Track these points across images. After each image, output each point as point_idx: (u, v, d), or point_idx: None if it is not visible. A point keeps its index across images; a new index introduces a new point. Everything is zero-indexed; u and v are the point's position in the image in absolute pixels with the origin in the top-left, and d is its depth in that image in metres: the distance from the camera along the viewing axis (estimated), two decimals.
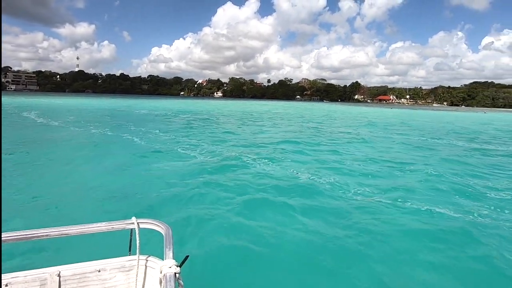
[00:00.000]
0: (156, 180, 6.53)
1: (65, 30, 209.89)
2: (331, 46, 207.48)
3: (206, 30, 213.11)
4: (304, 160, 9.23)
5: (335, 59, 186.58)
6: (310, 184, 6.53)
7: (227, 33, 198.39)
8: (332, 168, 8.21)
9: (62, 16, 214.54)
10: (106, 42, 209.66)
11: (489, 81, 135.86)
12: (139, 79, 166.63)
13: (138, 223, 1.52)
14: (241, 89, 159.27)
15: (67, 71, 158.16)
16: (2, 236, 1.30)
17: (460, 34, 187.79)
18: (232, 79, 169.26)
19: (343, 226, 4.47)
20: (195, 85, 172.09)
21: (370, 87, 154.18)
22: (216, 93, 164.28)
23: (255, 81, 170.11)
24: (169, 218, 4.36)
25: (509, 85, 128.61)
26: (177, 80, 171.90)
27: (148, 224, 1.54)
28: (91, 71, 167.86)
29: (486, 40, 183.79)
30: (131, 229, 1.55)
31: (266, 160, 8.76)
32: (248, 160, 8.75)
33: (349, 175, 7.44)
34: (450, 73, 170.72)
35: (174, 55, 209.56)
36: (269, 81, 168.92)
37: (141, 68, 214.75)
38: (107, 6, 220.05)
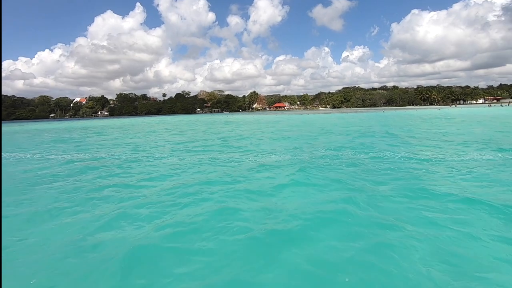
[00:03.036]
0: None
1: None
2: (223, 59, 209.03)
3: (81, 40, 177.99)
4: None
5: (227, 71, 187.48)
6: None
7: (109, 45, 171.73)
8: None
9: None
10: None
11: (357, 86, 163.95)
12: None
13: None
14: (132, 105, 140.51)
15: None
16: None
17: (326, 49, 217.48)
18: (120, 95, 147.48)
19: None
20: (71, 105, 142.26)
21: (264, 95, 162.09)
22: (101, 112, 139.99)
23: (148, 96, 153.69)
24: None
25: (368, 89, 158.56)
26: (44, 99, 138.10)
27: None
28: None
29: (344, 54, 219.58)
30: None
31: None
32: None
33: None
34: (322, 81, 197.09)
35: (37, 70, 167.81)
36: (164, 95, 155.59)
37: None
38: None
